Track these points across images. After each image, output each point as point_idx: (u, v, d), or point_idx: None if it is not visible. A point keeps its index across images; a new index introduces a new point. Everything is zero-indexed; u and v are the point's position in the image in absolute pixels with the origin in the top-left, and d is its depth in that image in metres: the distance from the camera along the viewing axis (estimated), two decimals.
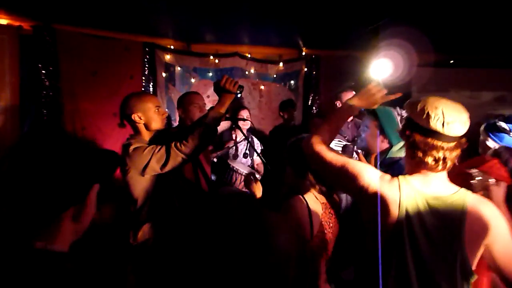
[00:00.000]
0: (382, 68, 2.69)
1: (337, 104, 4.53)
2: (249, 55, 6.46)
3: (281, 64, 6.62)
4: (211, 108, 2.74)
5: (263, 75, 6.71)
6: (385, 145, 2.73)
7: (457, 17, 4.94)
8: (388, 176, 1.81)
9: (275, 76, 6.72)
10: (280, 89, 6.78)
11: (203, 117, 2.73)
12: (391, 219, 1.67)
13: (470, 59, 6.56)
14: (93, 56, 5.33)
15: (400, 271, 1.65)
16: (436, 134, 1.65)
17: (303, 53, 6.59)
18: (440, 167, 1.69)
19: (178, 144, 2.55)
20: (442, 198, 1.69)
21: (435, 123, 1.64)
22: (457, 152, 1.70)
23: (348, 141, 4.28)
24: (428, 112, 1.66)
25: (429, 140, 1.66)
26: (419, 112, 1.68)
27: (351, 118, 4.54)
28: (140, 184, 2.63)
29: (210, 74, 6.42)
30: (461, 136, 1.70)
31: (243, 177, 4.27)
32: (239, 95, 2.48)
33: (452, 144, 1.67)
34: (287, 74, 6.76)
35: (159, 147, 2.57)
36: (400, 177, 1.77)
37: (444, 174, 1.75)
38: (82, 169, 1.25)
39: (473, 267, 1.64)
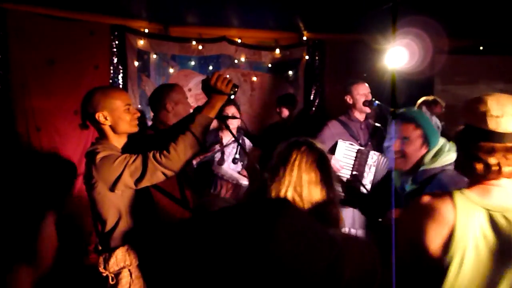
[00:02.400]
0: (398, 55, 2.71)
1: (347, 100, 4.53)
2: (239, 40, 6.48)
3: (277, 50, 6.65)
4: (197, 108, 2.68)
5: (256, 64, 6.74)
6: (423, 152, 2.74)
7: None
8: (438, 192, 1.83)
9: (270, 65, 6.74)
10: (276, 80, 6.80)
11: (187, 122, 2.63)
12: (442, 242, 1.72)
13: (503, 45, 6.62)
14: (51, 41, 5.31)
15: None
16: (484, 133, 1.68)
17: (304, 38, 6.62)
18: (495, 174, 1.71)
19: (158, 155, 2.46)
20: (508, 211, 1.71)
21: (483, 119, 1.67)
22: None
23: (361, 145, 4.32)
24: (477, 107, 1.69)
25: (480, 142, 1.69)
26: (480, 113, 1.70)
27: (363, 118, 4.57)
28: (110, 201, 2.57)
29: (193, 63, 6.43)
30: None
31: (231, 186, 4.30)
32: (232, 97, 2.43)
33: (508, 144, 1.67)
34: (285, 63, 6.79)
35: (133, 157, 2.49)
36: (459, 191, 1.79)
37: (507, 183, 1.75)
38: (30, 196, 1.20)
39: None
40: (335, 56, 6.59)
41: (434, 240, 1.72)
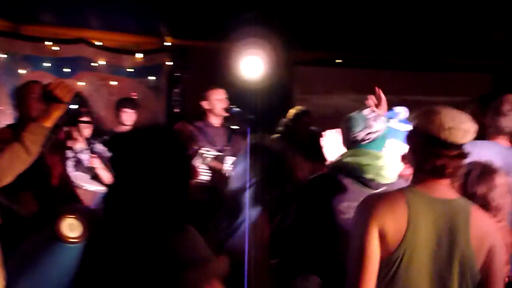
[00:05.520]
0: (258, 65, 2.94)
1: (204, 105, 4.70)
2: (98, 43, 6.45)
3: (139, 55, 6.69)
4: None
5: (116, 68, 6.72)
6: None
7: (345, 12, 5.49)
8: (394, 193, 2.14)
9: (131, 69, 6.74)
10: (137, 85, 6.82)
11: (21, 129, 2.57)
12: (400, 232, 2.02)
13: (358, 59, 7.29)
14: None
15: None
16: (437, 141, 2.02)
17: (167, 43, 6.73)
18: (442, 175, 2.07)
19: None
20: (448, 202, 2.08)
21: (451, 135, 2.00)
22: (460, 162, 2.08)
23: (219, 150, 4.50)
24: (444, 124, 2.01)
25: (444, 150, 2.03)
26: (437, 124, 2.03)
27: (220, 123, 4.77)
28: None
29: (48, 64, 6.25)
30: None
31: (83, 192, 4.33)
32: (74, 106, 2.40)
33: (454, 152, 2.03)
34: (146, 68, 6.82)
35: None
36: (406, 188, 2.14)
37: (447, 182, 2.13)
38: None
39: (478, 268, 2.05)
40: (198, 63, 6.74)
41: (393, 232, 1.99)
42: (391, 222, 1.98)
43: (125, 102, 5.58)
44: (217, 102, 4.64)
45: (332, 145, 3.04)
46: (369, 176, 2.48)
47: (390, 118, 3.02)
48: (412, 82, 7.28)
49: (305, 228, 2.46)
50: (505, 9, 5.22)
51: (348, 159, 2.55)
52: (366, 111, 2.62)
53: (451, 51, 6.60)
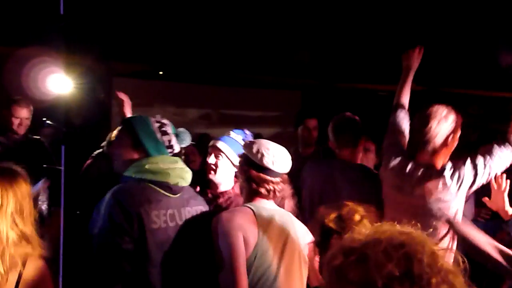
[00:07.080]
0: (67, 75, 2.90)
1: (4, 118, 4.58)
2: None
3: None
4: None
5: None
6: (137, 155, 2.70)
7: (167, 25, 5.61)
8: (242, 208, 2.60)
9: None
10: None
11: None
12: (255, 237, 2.47)
13: (179, 72, 7.42)
14: None
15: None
16: (266, 170, 2.57)
17: None
18: (271, 196, 2.62)
19: None
20: (277, 210, 2.65)
21: (266, 161, 2.55)
22: (283, 186, 2.67)
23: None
24: (262, 152, 2.57)
25: (261, 175, 2.57)
26: (255, 152, 2.58)
27: (21, 135, 4.63)
28: None
29: None
30: (286, 173, 2.67)
31: None
32: None
33: (278, 179, 2.61)
34: None
35: None
36: (248, 205, 2.59)
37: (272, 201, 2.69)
38: None
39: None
40: (6, 70, 6.40)
41: (251, 238, 2.44)
42: (249, 230, 2.44)
43: None
44: (14, 116, 4.54)
45: None
46: (173, 180, 2.55)
47: (244, 137, 3.29)
48: (229, 97, 7.67)
49: (115, 240, 2.36)
50: (313, 32, 5.75)
51: (153, 165, 2.55)
52: (158, 117, 2.83)
53: (264, 69, 7.04)
